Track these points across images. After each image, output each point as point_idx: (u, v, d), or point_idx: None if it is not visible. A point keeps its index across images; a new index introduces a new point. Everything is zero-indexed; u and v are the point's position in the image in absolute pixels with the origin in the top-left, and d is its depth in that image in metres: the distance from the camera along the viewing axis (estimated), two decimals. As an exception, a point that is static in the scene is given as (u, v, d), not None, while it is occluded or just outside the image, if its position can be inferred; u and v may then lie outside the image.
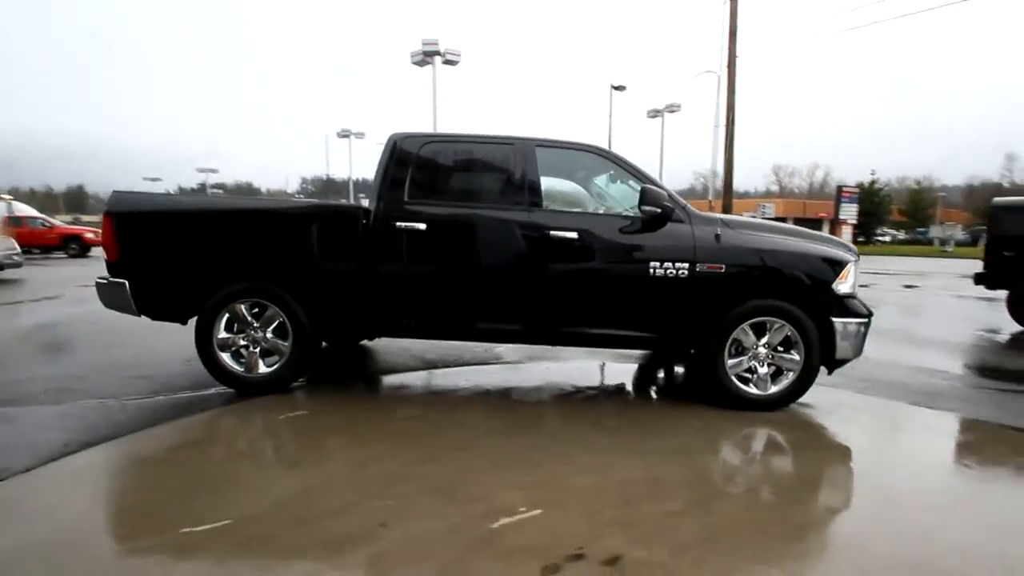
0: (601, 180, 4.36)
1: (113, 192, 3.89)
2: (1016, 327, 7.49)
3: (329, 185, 69.08)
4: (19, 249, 12.46)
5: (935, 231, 40.98)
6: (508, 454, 2.99)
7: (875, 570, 2.04)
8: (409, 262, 3.81)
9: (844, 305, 3.75)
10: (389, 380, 4.48)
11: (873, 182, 41.06)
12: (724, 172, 20.22)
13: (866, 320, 3.75)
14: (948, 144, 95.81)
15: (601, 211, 4.27)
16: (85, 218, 50.86)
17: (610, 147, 4.76)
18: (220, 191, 52.00)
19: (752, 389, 3.75)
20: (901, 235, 41.21)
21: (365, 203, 4.00)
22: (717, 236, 3.73)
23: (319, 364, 4.47)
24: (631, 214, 3.82)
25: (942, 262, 23.00)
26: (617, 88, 30.63)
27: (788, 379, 3.74)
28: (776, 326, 3.70)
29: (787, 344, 3.73)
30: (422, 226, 3.76)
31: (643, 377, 4.78)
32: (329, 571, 1.97)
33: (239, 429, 3.41)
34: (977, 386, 4.74)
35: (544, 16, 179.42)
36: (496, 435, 3.27)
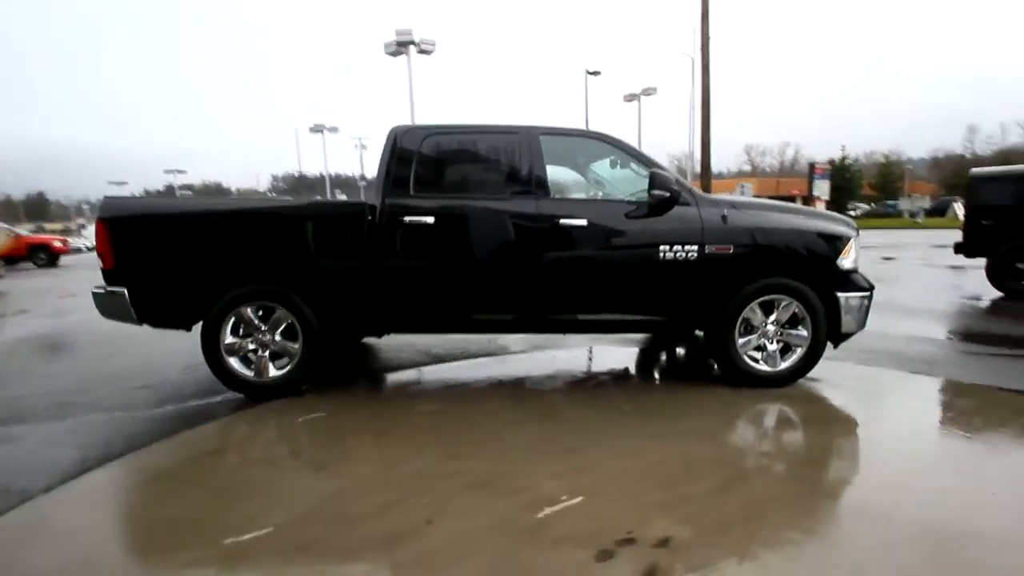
0: (605, 166, 4.36)
1: (105, 197, 3.80)
2: (995, 293, 7.75)
3: (301, 181, 67.87)
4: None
5: (904, 203, 42.02)
6: (537, 443, 3.00)
7: (919, 536, 2.10)
8: (419, 257, 3.77)
9: (848, 279, 3.84)
10: (399, 377, 4.44)
11: (844, 158, 41.80)
12: (701, 154, 20.42)
13: (868, 293, 3.84)
14: (912, 119, 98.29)
15: (610, 197, 4.27)
16: (48, 226, 49.18)
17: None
18: (189, 192, 50.75)
19: (762, 366, 3.82)
20: (871, 208, 42.24)
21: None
22: (724, 217, 3.77)
23: (324, 365, 4.41)
24: (636, 199, 3.84)
25: (914, 233, 23.61)
26: (592, 73, 30.60)
27: (797, 355, 3.82)
28: (784, 303, 3.77)
29: (794, 321, 3.80)
30: (430, 220, 3.72)
31: (646, 360, 4.83)
32: (386, 571, 1.96)
33: (257, 435, 3.35)
34: (969, 352, 4.91)
35: (518, 3, 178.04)
36: (521, 425, 3.28)
